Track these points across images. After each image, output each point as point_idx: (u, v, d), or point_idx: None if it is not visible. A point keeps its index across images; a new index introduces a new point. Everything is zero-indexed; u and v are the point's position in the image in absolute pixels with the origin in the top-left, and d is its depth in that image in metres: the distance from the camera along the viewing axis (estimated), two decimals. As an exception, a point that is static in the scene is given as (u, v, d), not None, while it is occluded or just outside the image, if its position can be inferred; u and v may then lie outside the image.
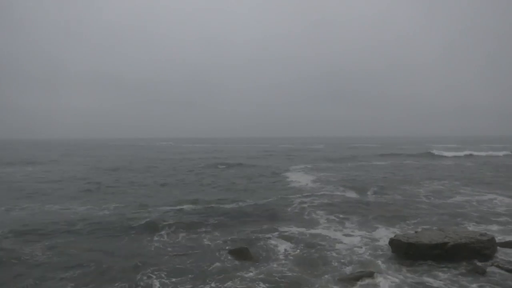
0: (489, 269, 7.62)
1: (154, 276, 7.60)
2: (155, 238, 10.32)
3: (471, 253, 8.15)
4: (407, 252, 8.37)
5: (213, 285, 7.19)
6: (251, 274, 7.69)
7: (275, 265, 8.22)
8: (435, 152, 45.94)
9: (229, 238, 10.23)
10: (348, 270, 7.93)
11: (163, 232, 10.81)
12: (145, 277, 7.55)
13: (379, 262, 8.34)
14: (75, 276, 7.61)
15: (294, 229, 11.06)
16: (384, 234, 10.39)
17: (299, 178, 23.44)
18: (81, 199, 16.13)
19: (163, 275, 7.65)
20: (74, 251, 9.17)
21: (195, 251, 9.25)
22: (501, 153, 45.71)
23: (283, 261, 8.48)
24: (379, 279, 7.29)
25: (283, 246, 9.47)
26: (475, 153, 45.70)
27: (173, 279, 7.47)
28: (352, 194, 17.18)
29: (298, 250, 9.21)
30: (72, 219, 12.30)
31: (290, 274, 7.73)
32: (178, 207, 14.21)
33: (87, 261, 8.40)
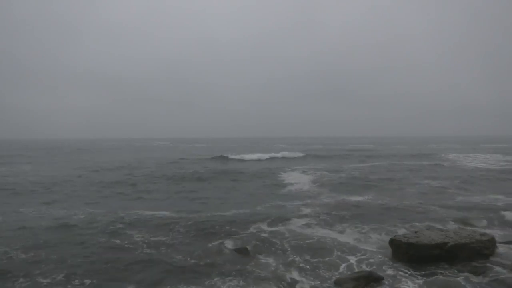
0: (489, 269, 7.58)
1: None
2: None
3: (471, 253, 8.11)
4: (407, 252, 8.30)
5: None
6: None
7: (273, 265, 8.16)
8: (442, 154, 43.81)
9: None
10: (347, 270, 7.87)
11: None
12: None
13: (379, 262, 8.27)
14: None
15: (293, 230, 10.98)
16: (384, 234, 10.33)
17: (295, 179, 23.16)
18: None
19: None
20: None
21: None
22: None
23: (280, 261, 8.40)
24: (378, 280, 7.21)
25: (279, 246, 9.40)
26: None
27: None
28: (352, 195, 17.09)
29: (296, 250, 9.11)
30: None
31: (287, 273, 7.66)
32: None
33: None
